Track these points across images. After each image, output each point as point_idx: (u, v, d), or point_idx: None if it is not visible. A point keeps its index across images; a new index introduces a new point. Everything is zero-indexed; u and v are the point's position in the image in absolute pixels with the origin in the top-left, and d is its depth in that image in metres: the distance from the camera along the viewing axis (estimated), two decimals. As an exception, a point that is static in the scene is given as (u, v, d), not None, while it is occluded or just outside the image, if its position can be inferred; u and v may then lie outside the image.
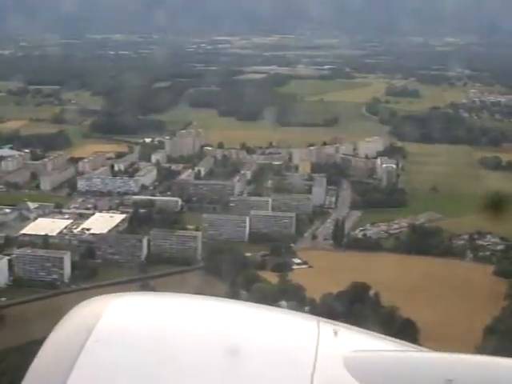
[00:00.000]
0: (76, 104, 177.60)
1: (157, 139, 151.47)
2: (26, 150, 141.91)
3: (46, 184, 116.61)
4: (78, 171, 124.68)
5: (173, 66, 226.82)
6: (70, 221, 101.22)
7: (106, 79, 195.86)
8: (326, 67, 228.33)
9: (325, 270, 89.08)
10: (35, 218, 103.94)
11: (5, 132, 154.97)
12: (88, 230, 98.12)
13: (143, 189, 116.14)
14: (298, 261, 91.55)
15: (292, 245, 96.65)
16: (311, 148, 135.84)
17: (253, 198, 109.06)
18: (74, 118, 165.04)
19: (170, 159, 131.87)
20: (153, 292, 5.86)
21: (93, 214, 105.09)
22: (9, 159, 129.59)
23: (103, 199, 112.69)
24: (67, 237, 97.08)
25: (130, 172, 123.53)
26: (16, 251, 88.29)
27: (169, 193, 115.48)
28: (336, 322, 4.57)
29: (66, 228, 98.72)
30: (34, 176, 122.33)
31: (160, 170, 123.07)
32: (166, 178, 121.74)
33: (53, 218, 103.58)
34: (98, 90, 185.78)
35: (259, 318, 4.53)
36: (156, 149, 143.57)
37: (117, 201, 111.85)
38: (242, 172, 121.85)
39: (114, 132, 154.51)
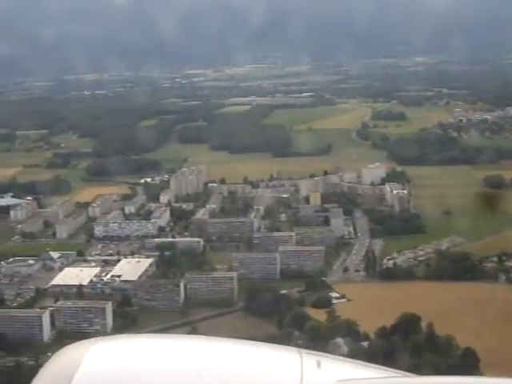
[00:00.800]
0: (66, 148, 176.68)
1: (157, 178, 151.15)
2: (29, 198, 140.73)
3: (61, 232, 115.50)
4: (89, 216, 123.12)
5: (153, 103, 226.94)
6: (97, 269, 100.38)
7: (92, 121, 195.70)
8: (304, 95, 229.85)
9: (365, 302, 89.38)
10: (60, 268, 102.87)
11: (0, 180, 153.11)
12: (118, 276, 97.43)
13: (160, 230, 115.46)
14: (336, 295, 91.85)
15: (325, 279, 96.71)
16: (316, 178, 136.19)
17: (276, 234, 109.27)
18: (67, 162, 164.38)
19: (177, 198, 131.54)
20: (131, 334, 6.03)
21: (118, 260, 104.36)
22: (18, 208, 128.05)
23: (122, 244, 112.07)
24: (99, 285, 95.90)
25: (143, 214, 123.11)
26: (56, 304, 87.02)
27: (186, 233, 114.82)
28: (318, 353, 4.63)
29: (95, 276, 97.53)
30: (47, 224, 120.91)
31: (172, 210, 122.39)
32: (180, 217, 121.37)
33: (78, 266, 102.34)
34: (85, 132, 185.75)
35: (241, 353, 4.55)
36: (159, 188, 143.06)
37: (137, 245, 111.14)
38: (255, 207, 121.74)
39: (110, 174, 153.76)
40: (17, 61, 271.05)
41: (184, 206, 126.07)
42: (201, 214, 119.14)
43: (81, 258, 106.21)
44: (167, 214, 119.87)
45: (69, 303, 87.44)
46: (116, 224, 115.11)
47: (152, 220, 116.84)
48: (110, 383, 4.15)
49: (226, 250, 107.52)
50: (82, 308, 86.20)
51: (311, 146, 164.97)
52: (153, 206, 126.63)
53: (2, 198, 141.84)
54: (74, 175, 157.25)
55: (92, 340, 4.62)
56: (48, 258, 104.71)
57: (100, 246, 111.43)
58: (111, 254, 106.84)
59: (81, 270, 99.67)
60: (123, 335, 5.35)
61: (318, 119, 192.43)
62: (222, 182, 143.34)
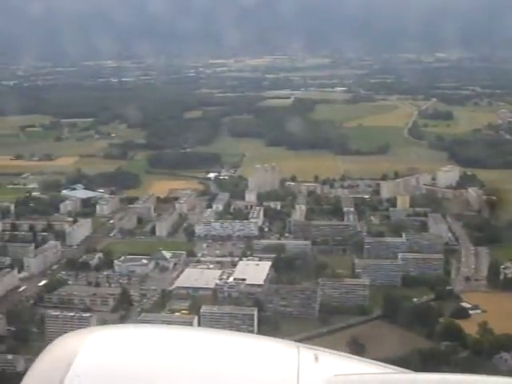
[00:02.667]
0: (117, 138, 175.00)
1: (224, 174, 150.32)
2: (101, 190, 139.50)
3: (161, 229, 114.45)
4: (178, 213, 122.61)
5: (188, 93, 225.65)
6: (217, 270, 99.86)
7: (136, 110, 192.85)
8: (338, 89, 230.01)
9: (503, 314, 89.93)
10: (174, 268, 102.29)
11: (62, 170, 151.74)
12: (242, 280, 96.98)
13: (260, 231, 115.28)
14: (468, 305, 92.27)
15: (451, 287, 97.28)
16: (398, 180, 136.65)
17: (388, 239, 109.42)
18: (124, 153, 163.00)
19: (259, 196, 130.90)
20: (129, 324, 6.28)
21: (231, 261, 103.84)
22: (103, 202, 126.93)
23: (226, 244, 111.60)
24: (225, 288, 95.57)
25: (234, 213, 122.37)
26: (202, 309, 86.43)
27: (287, 235, 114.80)
28: (315, 347, 4.68)
29: (219, 279, 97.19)
30: (139, 220, 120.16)
31: (266, 210, 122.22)
32: (273, 218, 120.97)
33: (195, 267, 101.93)
34: (131, 122, 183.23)
35: (238, 345, 4.60)
36: (232, 185, 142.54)
37: (241, 245, 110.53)
38: (345, 209, 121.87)
39: (171, 167, 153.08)
40: (34, 45, 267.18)
41: (272, 205, 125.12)
42: (298, 215, 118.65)
43: (193, 258, 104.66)
44: (261, 214, 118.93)
45: (215, 308, 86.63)
46: (218, 223, 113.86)
47: (252, 220, 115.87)
48: (108, 372, 4.22)
49: (335, 253, 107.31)
50: (228, 314, 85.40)
51: (368, 145, 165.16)
52: (240, 204, 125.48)
53: (75, 189, 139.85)
54: (135, 167, 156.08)
55: (89, 329, 4.72)
56: (161, 258, 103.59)
57: (205, 245, 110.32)
58: (223, 255, 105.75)
59: (202, 272, 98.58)
60: (120, 325, 5.48)
61: (365, 116, 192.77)
62: (293, 179, 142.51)
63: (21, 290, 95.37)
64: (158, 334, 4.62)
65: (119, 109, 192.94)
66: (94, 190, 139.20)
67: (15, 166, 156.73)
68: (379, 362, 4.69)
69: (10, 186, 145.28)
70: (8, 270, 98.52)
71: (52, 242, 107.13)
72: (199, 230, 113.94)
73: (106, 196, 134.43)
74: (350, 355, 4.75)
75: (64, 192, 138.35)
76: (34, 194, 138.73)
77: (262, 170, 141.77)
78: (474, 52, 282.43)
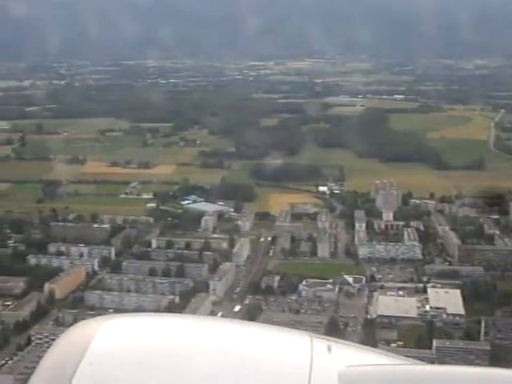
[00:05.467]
0: (204, 145, 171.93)
1: (333, 187, 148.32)
2: (221, 203, 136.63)
3: (323, 250, 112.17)
4: (328, 233, 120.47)
5: (247, 97, 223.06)
6: (410, 298, 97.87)
7: (210, 116, 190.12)
8: (397, 97, 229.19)
9: None
10: (359, 294, 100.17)
11: (166, 179, 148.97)
12: (441, 309, 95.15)
13: (422, 254, 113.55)
14: None
15: None
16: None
17: None
18: (219, 162, 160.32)
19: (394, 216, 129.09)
20: (144, 313, 6.20)
21: (415, 287, 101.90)
22: (244, 219, 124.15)
23: (394, 268, 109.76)
24: (428, 318, 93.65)
25: (382, 233, 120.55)
26: (435, 343, 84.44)
27: (448, 258, 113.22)
28: (329, 337, 4.73)
29: (417, 307, 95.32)
30: (292, 239, 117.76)
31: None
32: (425, 239, 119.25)
33: (379, 293, 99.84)
34: (211, 128, 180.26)
35: (253, 335, 4.61)
36: (347, 199, 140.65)
37: (410, 269, 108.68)
38: (490, 231, 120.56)
39: (274, 178, 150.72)
40: (72, 43, 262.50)
41: (413, 224, 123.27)
42: (450, 237, 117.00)
43: (374, 283, 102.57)
44: (416, 235, 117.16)
45: (447, 343, 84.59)
46: (382, 246, 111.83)
47: (409, 242, 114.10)
48: (122, 360, 4.19)
49: (508, 280, 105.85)
50: (461, 349, 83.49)
51: (461, 159, 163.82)
52: (383, 223, 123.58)
53: (195, 201, 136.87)
54: (238, 178, 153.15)
55: (104, 317, 4.70)
56: (345, 282, 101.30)
57: (374, 269, 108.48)
58: (402, 281, 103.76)
59: (396, 300, 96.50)
60: (137, 313, 5.54)
61: (443, 128, 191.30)
62: (410, 196, 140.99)
63: (218, 315, 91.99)
64: (173, 323, 4.61)
65: (192, 114, 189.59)
66: (213, 203, 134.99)
67: (115, 173, 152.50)
68: (392, 354, 4.76)
69: (123, 196, 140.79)
70: (202, 293, 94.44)
71: (227, 264, 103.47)
72: (362, 251, 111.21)
73: (231, 210, 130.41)
74: (363, 346, 4.73)
75: (184, 204, 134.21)
76: (150, 205, 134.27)
77: (381, 186, 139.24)
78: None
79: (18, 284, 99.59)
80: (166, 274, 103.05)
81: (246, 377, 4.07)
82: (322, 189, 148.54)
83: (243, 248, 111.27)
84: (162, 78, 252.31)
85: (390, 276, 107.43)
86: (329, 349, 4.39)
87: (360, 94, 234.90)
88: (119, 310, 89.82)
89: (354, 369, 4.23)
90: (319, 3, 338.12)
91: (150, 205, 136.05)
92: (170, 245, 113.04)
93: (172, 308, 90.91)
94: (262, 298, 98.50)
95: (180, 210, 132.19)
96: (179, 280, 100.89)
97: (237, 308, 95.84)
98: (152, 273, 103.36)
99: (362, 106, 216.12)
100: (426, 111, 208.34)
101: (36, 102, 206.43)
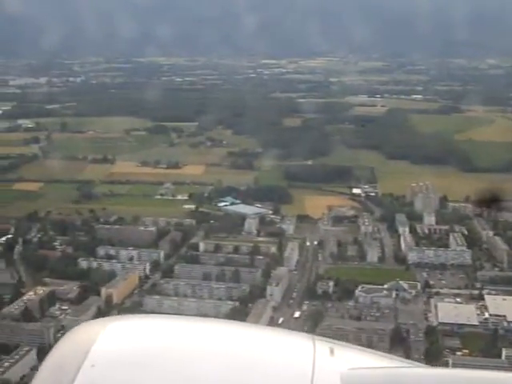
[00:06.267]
0: (230, 145, 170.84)
1: (366, 189, 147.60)
2: (258, 205, 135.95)
3: (373, 255, 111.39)
4: (373, 237, 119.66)
5: (266, 96, 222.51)
6: (469, 305, 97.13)
7: (233, 116, 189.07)
8: (415, 97, 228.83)
9: None
10: (414, 300, 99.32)
11: (198, 180, 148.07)
12: (502, 316, 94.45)
13: (472, 260, 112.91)
14: None
15: None
16: None
17: None
18: (249, 163, 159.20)
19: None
20: (147, 314, 6.15)
21: (470, 294, 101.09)
22: (288, 222, 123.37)
23: (445, 274, 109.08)
24: (490, 326, 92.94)
25: (427, 237, 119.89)
26: (505, 352, 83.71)
27: (498, 264, 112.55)
28: (331, 340, 4.70)
29: (478, 315, 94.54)
30: (339, 243, 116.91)
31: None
32: (471, 244, 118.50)
33: (438, 300, 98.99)
34: (234, 128, 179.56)
35: (256, 337, 4.62)
36: (382, 202, 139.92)
37: (461, 275, 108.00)
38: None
39: (306, 179, 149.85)
40: (83, 40, 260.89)
41: (456, 228, 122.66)
42: (499, 242, 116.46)
43: (429, 289, 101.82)
44: (463, 240, 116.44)
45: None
46: (431, 251, 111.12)
47: (457, 247, 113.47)
48: (125, 362, 4.16)
49: None
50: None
51: (491, 161, 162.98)
52: (426, 228, 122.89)
53: (233, 203, 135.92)
54: (270, 179, 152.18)
55: (107, 319, 4.71)
56: (400, 288, 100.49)
57: (425, 274, 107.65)
58: (457, 287, 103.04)
59: (455, 307, 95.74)
60: (139, 315, 5.47)
61: (468, 129, 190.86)
62: (446, 199, 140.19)
63: (280, 322, 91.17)
64: (176, 325, 4.61)
65: (215, 113, 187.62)
66: (251, 205, 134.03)
67: (146, 173, 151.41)
68: (394, 356, 4.73)
69: (158, 197, 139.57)
70: (261, 299, 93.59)
71: (281, 268, 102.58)
72: (411, 256, 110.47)
73: (270, 212, 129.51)
74: (365, 349, 4.71)
75: (221, 206, 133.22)
76: (187, 206, 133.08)
77: (419, 189, 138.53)
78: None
79: (72, 288, 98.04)
80: (220, 278, 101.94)
81: (249, 378, 4.04)
82: (355, 191, 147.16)
83: (293, 252, 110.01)
84: (176, 76, 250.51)
85: (443, 282, 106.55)
86: (331, 351, 4.36)
87: (378, 94, 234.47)
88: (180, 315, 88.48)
89: (357, 371, 4.20)
90: (329, 2, 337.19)
91: (186, 206, 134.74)
92: (217, 248, 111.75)
93: (234, 314, 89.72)
94: (319, 303, 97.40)
95: (219, 212, 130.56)
96: (235, 285, 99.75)
97: (296, 314, 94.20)
98: (206, 277, 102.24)
99: (382, 106, 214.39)
100: (448, 112, 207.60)
101: (55, 99, 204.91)
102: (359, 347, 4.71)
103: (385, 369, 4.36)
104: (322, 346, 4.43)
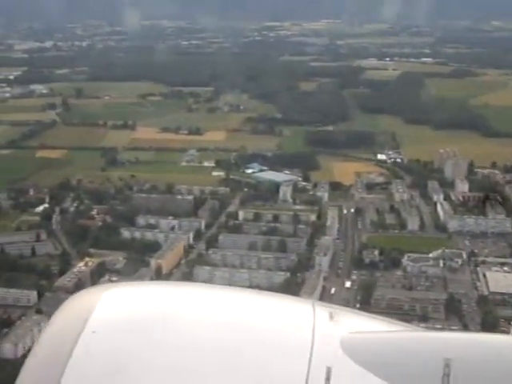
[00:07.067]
0: (248, 111, 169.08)
1: (392, 155, 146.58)
2: (287, 172, 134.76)
3: (413, 224, 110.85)
4: (409, 204, 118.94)
5: (276, 59, 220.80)
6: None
7: (247, 80, 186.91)
8: (425, 60, 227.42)
9: None
10: (462, 269, 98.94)
11: (222, 146, 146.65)
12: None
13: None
14: None
15: None
16: None
17: None
18: (270, 129, 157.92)
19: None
20: (146, 281, 6.74)
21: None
22: (322, 189, 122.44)
23: (487, 242, 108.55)
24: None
25: (463, 205, 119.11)
26: None
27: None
28: (331, 305, 4.70)
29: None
30: (377, 211, 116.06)
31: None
32: (510, 213, 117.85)
33: (485, 269, 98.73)
34: (251, 93, 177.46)
35: (254, 302, 4.58)
36: (410, 169, 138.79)
37: (503, 243, 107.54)
38: None
39: (330, 145, 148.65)
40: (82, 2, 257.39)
41: (491, 196, 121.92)
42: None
43: (474, 258, 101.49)
44: (501, 208, 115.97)
45: None
46: (472, 219, 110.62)
47: (498, 215, 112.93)
48: (125, 328, 4.20)
49: None
50: None
51: (510, 126, 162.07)
52: (460, 195, 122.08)
53: (261, 170, 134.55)
54: (292, 145, 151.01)
55: (105, 286, 4.69)
56: (447, 257, 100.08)
57: (467, 243, 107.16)
58: (502, 255, 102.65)
59: (505, 276, 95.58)
60: (138, 282, 5.96)
61: (484, 93, 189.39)
62: (473, 165, 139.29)
63: (332, 292, 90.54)
64: (176, 292, 4.60)
65: (229, 77, 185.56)
66: (279, 172, 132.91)
67: (168, 140, 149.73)
68: (394, 320, 4.69)
69: (185, 164, 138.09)
70: (311, 269, 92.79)
71: (325, 238, 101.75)
72: (452, 224, 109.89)
73: (300, 179, 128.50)
74: (366, 313, 4.72)
75: (249, 173, 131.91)
76: (216, 174, 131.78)
77: (447, 155, 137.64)
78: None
79: (118, 258, 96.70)
80: (266, 248, 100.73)
81: (248, 344, 4.06)
82: (380, 157, 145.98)
83: (334, 221, 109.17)
84: (181, 39, 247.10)
85: (486, 251, 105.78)
86: (331, 316, 4.33)
87: (387, 57, 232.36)
88: (234, 286, 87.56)
89: (357, 335, 4.19)
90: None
91: (215, 173, 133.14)
92: (257, 217, 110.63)
93: (287, 285, 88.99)
94: (367, 273, 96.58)
95: (251, 180, 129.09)
96: (283, 255, 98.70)
97: (347, 284, 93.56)
98: (251, 247, 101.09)
99: (393, 69, 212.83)
100: (461, 76, 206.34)
101: (65, 64, 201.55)
102: (360, 311, 4.70)
103: (385, 333, 4.34)
104: (322, 310, 4.39)
